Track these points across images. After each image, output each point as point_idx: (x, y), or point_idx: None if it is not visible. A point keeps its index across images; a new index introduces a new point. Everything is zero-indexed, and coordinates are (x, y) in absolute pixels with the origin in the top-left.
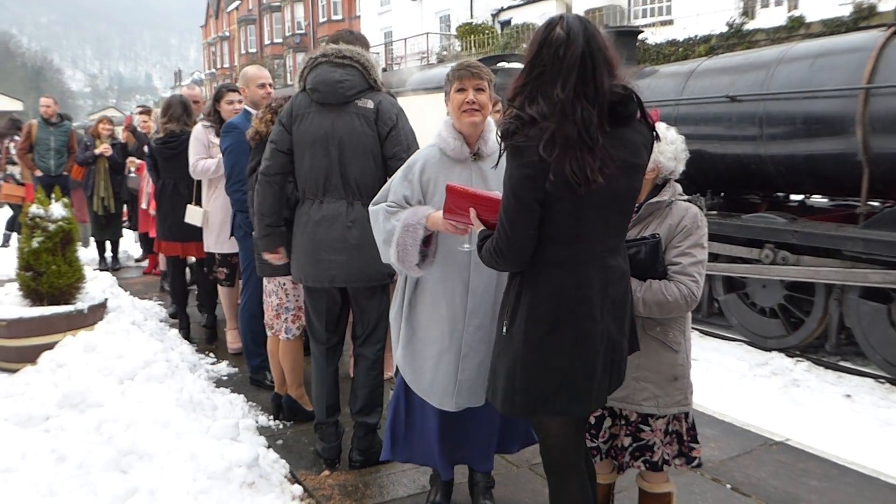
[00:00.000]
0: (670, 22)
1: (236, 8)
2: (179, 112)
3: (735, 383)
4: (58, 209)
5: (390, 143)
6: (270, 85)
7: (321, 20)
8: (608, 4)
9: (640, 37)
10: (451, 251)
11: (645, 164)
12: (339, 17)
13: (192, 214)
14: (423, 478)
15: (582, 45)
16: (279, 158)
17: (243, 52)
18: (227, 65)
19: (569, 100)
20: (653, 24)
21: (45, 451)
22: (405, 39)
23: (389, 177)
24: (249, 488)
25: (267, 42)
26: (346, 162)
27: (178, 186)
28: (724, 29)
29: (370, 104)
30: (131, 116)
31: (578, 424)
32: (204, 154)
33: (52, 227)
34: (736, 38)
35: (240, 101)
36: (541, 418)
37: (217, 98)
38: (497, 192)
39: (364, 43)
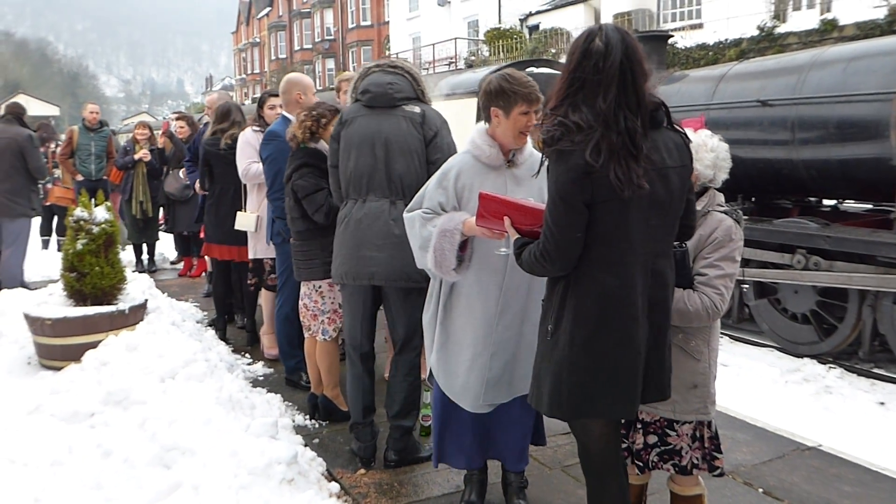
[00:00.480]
0: (700, 26)
1: (267, 14)
2: (240, 117)
3: (766, 389)
4: (101, 212)
5: (433, 149)
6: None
7: (350, 26)
8: (637, 8)
9: (670, 41)
10: (487, 256)
11: (678, 167)
12: (368, 22)
13: (244, 221)
14: (457, 478)
15: (621, 56)
16: (335, 175)
17: (273, 57)
18: (256, 70)
19: (611, 110)
20: (682, 28)
21: (92, 445)
22: (433, 45)
23: None
24: (289, 485)
25: (296, 48)
26: (391, 160)
27: (239, 191)
28: (755, 32)
29: (417, 109)
30: (168, 122)
31: (617, 426)
32: (255, 158)
33: (95, 229)
34: (767, 41)
35: (280, 106)
36: (584, 420)
37: (260, 103)
38: (530, 201)
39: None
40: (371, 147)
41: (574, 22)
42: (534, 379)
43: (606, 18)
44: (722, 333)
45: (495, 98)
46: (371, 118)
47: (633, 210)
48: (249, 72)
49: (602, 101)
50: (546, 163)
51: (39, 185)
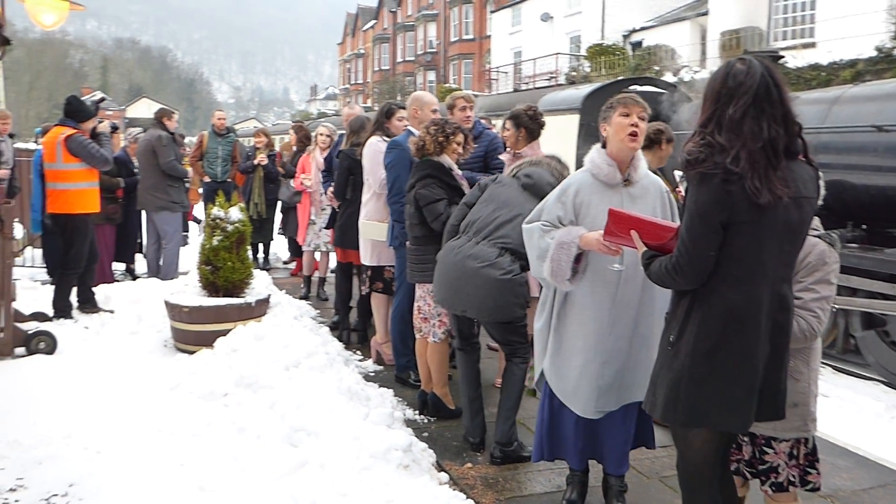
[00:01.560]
0: (813, 45)
1: (372, 27)
2: (377, 127)
3: (869, 423)
4: (235, 212)
5: None
6: (436, 111)
7: (452, 39)
8: (747, 26)
9: (780, 61)
10: (600, 269)
11: (813, 199)
12: (471, 36)
13: (376, 230)
14: (559, 478)
15: (761, 70)
16: (464, 211)
17: (376, 68)
18: (359, 80)
19: (754, 120)
20: (794, 47)
21: (227, 422)
22: (534, 59)
23: None
24: (405, 470)
25: (399, 60)
26: (517, 225)
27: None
28: (873, 53)
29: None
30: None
31: (720, 441)
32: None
33: (230, 227)
34: (885, 63)
35: (407, 119)
36: (686, 431)
37: (388, 115)
38: (659, 218)
39: None
40: (509, 209)
41: (679, 39)
42: (650, 385)
43: (714, 36)
44: (825, 364)
45: (600, 116)
46: (521, 194)
47: (767, 233)
48: (353, 82)
49: (744, 111)
50: (683, 182)
51: (182, 183)
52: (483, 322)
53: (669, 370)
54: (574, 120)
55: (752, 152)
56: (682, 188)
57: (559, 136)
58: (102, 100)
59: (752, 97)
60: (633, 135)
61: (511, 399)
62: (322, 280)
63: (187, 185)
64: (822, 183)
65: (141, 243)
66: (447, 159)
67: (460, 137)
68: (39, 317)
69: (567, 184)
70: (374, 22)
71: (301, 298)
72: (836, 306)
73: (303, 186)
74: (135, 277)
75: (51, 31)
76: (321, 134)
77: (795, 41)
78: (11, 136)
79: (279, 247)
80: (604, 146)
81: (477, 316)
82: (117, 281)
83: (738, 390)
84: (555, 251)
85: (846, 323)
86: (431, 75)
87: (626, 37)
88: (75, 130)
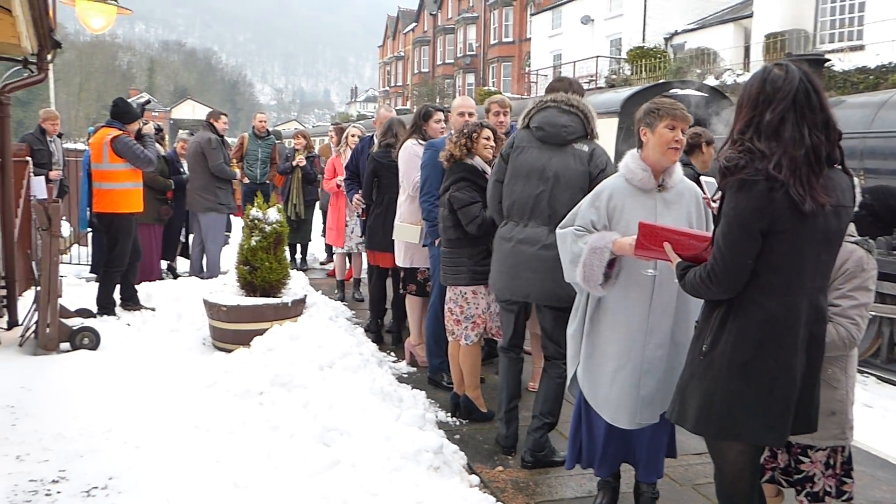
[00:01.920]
0: (861, 47)
1: (412, 29)
2: (404, 132)
3: None
4: (273, 213)
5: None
6: (470, 114)
7: (492, 42)
8: (792, 28)
9: (826, 64)
10: (634, 273)
11: (850, 207)
12: (510, 39)
13: (410, 233)
14: (589, 483)
15: (799, 75)
16: (497, 189)
17: (416, 71)
18: (399, 83)
19: (794, 126)
20: (841, 50)
21: (261, 420)
22: (574, 62)
23: None
24: (435, 472)
25: (439, 62)
26: (555, 193)
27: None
28: None
29: (586, 148)
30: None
31: (756, 453)
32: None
33: (268, 228)
34: None
35: (446, 121)
36: (722, 443)
37: (426, 117)
38: (694, 225)
39: (580, 90)
40: (539, 178)
41: (722, 42)
42: (678, 394)
43: (758, 38)
44: (868, 373)
45: (643, 118)
46: (542, 151)
47: (807, 242)
48: (392, 84)
49: (783, 117)
50: (721, 188)
51: (230, 185)
52: (543, 308)
53: (702, 381)
54: (613, 123)
55: (793, 159)
56: (707, 193)
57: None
58: (148, 102)
59: (792, 102)
60: (675, 149)
61: (548, 404)
62: (357, 281)
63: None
64: (858, 191)
65: (186, 243)
66: (479, 161)
67: (486, 133)
68: (84, 313)
69: (601, 188)
70: (414, 25)
71: (337, 300)
72: (882, 315)
73: (338, 188)
74: (176, 276)
75: (101, 34)
76: (352, 135)
77: (843, 43)
78: (60, 136)
79: (316, 247)
80: (639, 147)
81: (538, 299)
82: (161, 279)
83: (775, 404)
84: (587, 256)
85: (891, 332)
86: (471, 78)
87: (667, 39)
88: (121, 132)
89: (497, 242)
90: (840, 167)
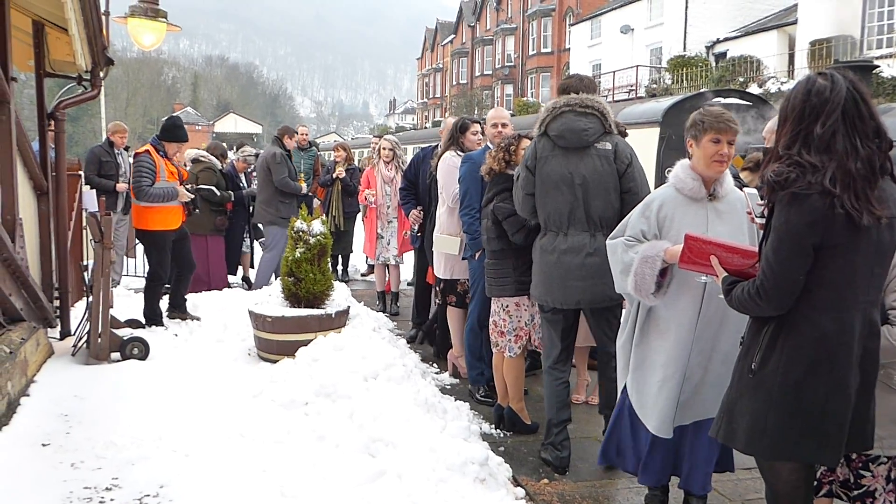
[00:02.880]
0: None
1: (450, 41)
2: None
3: None
4: (317, 225)
5: (626, 179)
6: (504, 125)
7: (531, 53)
8: (838, 35)
9: (874, 70)
10: (685, 282)
11: None
12: (549, 49)
13: (449, 244)
14: (637, 496)
15: (846, 85)
16: (529, 202)
17: (454, 83)
18: (437, 95)
19: (846, 138)
20: (890, 56)
21: (307, 430)
22: (613, 72)
23: (624, 210)
24: (481, 484)
25: (477, 74)
26: (589, 199)
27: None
28: None
29: (608, 146)
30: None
31: (810, 472)
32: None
33: (312, 240)
34: None
35: (483, 133)
36: (774, 462)
37: (462, 130)
38: (737, 242)
39: (592, 86)
40: (569, 187)
41: (766, 49)
42: (724, 413)
43: (802, 45)
44: None
45: (689, 129)
46: (566, 158)
47: (860, 256)
48: (431, 96)
49: (834, 129)
50: (770, 202)
51: (295, 199)
52: (596, 311)
53: (752, 400)
54: (654, 133)
55: (847, 171)
56: (750, 205)
57: (639, 149)
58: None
59: (841, 113)
60: (720, 162)
61: (612, 390)
62: (396, 295)
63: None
64: None
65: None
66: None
67: (524, 143)
68: (133, 324)
69: (651, 198)
70: (452, 36)
71: (379, 311)
72: None
73: (366, 201)
74: (250, 286)
75: (148, 50)
76: (384, 148)
77: (892, 49)
78: (126, 148)
79: (358, 259)
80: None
81: (591, 303)
82: (230, 287)
83: (830, 423)
84: (639, 265)
85: None
86: (509, 89)
87: (709, 48)
88: (151, 148)
89: (539, 254)
90: (891, 177)
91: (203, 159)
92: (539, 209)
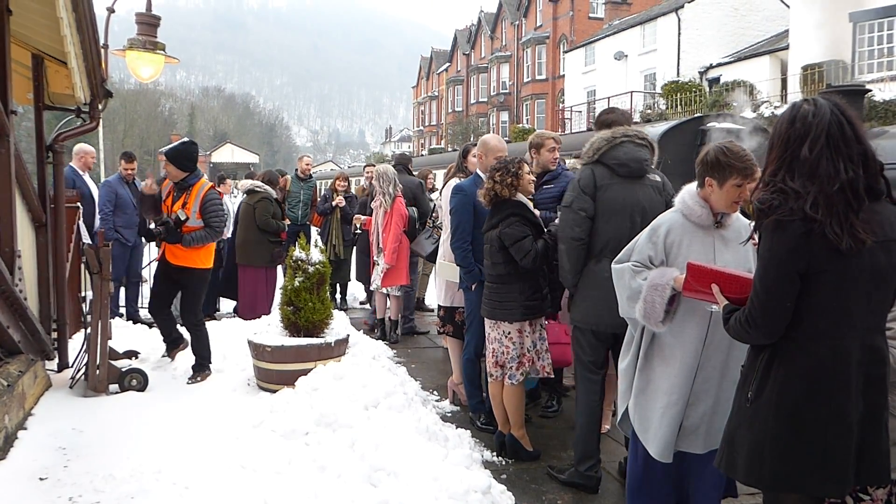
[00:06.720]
0: None
1: (446, 69)
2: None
3: None
4: (316, 254)
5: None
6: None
7: (525, 80)
8: (830, 59)
9: (866, 94)
10: (691, 309)
11: None
12: (543, 76)
13: (451, 270)
14: None
15: (830, 108)
16: (587, 224)
17: (450, 110)
18: (433, 122)
19: (829, 162)
20: (882, 80)
21: (308, 460)
22: (608, 98)
23: None
24: None
25: (472, 101)
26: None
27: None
28: None
29: (657, 177)
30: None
31: (817, 501)
32: None
33: (311, 269)
34: None
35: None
36: (778, 493)
37: (464, 154)
38: (740, 270)
39: (630, 120)
40: (630, 215)
41: (759, 74)
42: (726, 443)
43: (794, 70)
44: None
45: (711, 169)
46: (624, 187)
47: (851, 281)
48: (427, 123)
49: (819, 153)
50: (756, 230)
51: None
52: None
53: (750, 430)
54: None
55: (829, 196)
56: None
57: None
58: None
59: (826, 138)
60: (739, 202)
61: None
62: (394, 323)
63: None
64: None
65: None
66: (522, 197)
67: (526, 167)
68: (131, 354)
69: (658, 223)
70: (447, 65)
71: (378, 339)
72: None
73: (358, 223)
74: None
75: (145, 82)
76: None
77: (883, 73)
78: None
79: (356, 286)
80: (699, 186)
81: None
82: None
83: (832, 453)
84: (648, 292)
85: None
86: (504, 115)
87: (702, 73)
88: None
89: (594, 280)
90: (888, 199)
91: (259, 189)
92: (597, 235)
